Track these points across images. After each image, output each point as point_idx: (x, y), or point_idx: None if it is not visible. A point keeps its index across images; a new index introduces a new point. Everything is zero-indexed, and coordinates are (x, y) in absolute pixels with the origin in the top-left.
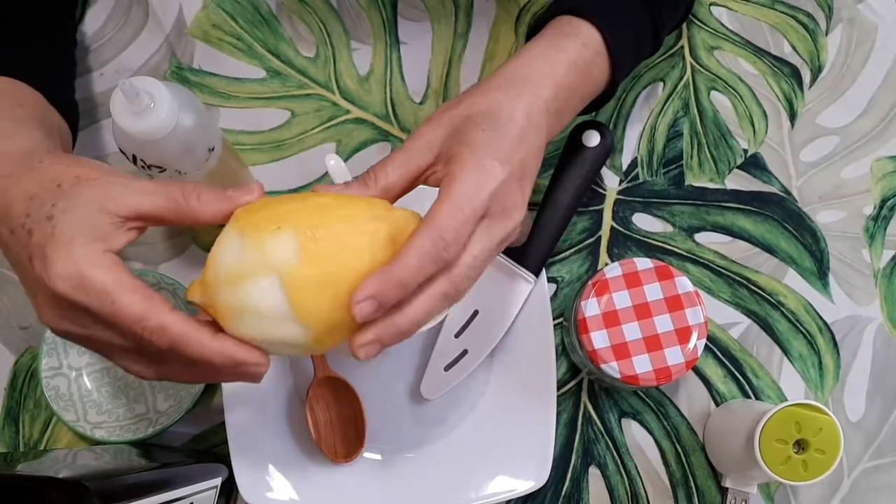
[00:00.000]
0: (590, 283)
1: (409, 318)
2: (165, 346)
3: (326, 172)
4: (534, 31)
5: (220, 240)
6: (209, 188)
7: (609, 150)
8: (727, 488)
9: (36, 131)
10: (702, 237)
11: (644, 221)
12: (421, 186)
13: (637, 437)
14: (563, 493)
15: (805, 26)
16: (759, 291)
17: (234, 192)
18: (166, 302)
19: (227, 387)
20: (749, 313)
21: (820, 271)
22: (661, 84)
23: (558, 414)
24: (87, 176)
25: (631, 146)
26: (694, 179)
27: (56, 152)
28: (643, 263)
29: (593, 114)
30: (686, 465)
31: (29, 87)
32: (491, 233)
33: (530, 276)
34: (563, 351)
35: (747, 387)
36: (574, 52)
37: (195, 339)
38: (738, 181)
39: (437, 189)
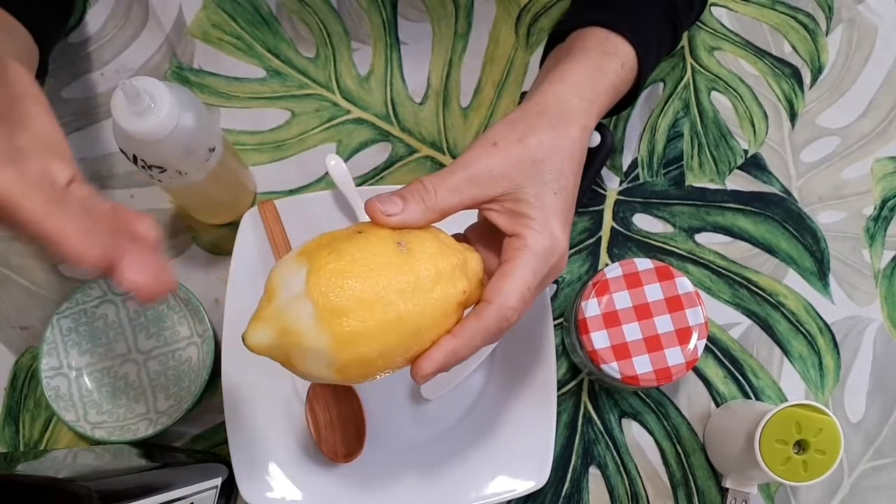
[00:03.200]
0: (590, 283)
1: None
2: None
3: (326, 172)
4: (556, 36)
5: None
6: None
7: (610, 150)
8: (727, 489)
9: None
10: (702, 237)
11: (644, 222)
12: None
13: (637, 438)
14: (563, 494)
15: (805, 27)
16: (760, 292)
17: None
18: None
19: (226, 387)
20: (749, 314)
21: (820, 272)
22: (662, 84)
23: (558, 414)
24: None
25: (631, 147)
26: (694, 180)
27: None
28: (643, 264)
29: None
30: (686, 465)
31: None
32: (538, 294)
33: None
34: (563, 351)
35: (747, 387)
36: (615, 75)
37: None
38: (738, 181)
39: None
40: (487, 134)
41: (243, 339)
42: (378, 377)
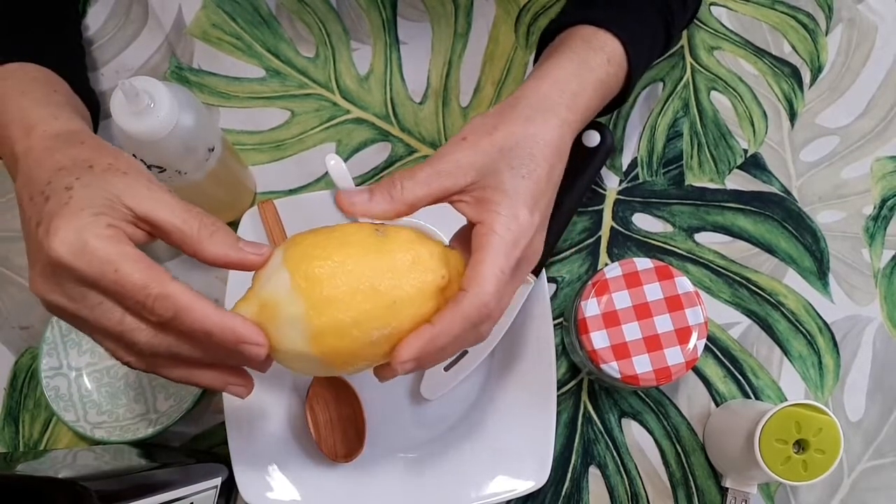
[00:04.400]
0: (590, 283)
1: (432, 365)
2: (169, 314)
3: (326, 172)
4: (547, 36)
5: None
6: (225, 231)
7: (609, 150)
8: (727, 488)
9: (76, 116)
10: (702, 237)
11: (644, 221)
12: None
13: (637, 437)
14: (563, 493)
15: (805, 26)
16: (759, 291)
17: (247, 246)
18: (168, 272)
19: None
20: (749, 313)
21: (820, 271)
22: (661, 84)
23: (558, 414)
24: (120, 168)
25: (631, 146)
26: (694, 179)
27: (98, 137)
28: (643, 263)
29: None
30: (686, 465)
31: (56, 74)
32: (515, 281)
33: (530, 276)
34: (563, 351)
35: (747, 387)
36: (601, 70)
37: (199, 308)
38: (738, 181)
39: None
40: (462, 129)
41: None
42: (359, 365)
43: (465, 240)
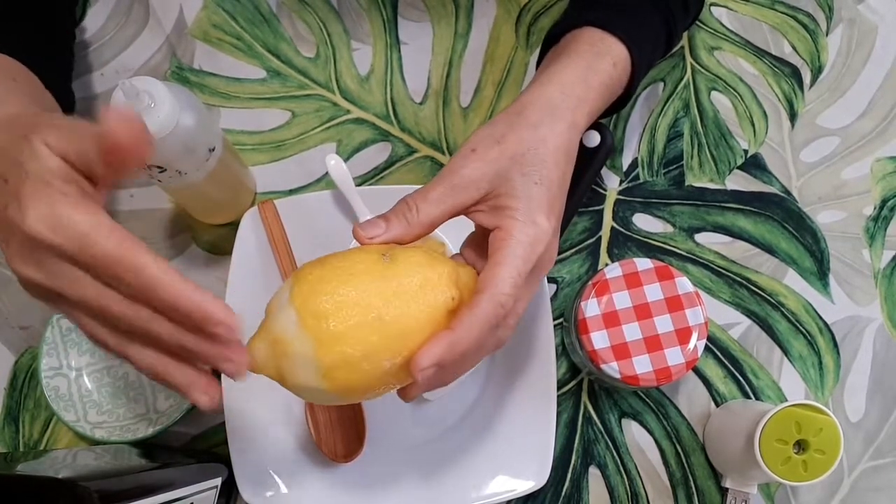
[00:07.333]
0: (590, 283)
1: (454, 375)
2: (139, 283)
3: (327, 172)
4: (551, 39)
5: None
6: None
7: (609, 150)
8: (727, 488)
9: (28, 103)
10: (702, 237)
11: (644, 222)
12: None
13: (637, 438)
14: (563, 494)
15: (805, 26)
16: (760, 292)
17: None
18: (143, 244)
19: (226, 387)
20: (749, 314)
21: (820, 272)
22: (662, 84)
23: (558, 414)
24: (54, 122)
25: (631, 146)
26: (694, 180)
27: (38, 112)
28: (643, 264)
29: None
30: (686, 465)
31: (24, 66)
32: (531, 287)
33: None
34: (563, 351)
35: (747, 387)
36: (606, 74)
37: (168, 279)
38: (738, 181)
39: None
40: (469, 140)
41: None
42: (372, 394)
43: (476, 245)
